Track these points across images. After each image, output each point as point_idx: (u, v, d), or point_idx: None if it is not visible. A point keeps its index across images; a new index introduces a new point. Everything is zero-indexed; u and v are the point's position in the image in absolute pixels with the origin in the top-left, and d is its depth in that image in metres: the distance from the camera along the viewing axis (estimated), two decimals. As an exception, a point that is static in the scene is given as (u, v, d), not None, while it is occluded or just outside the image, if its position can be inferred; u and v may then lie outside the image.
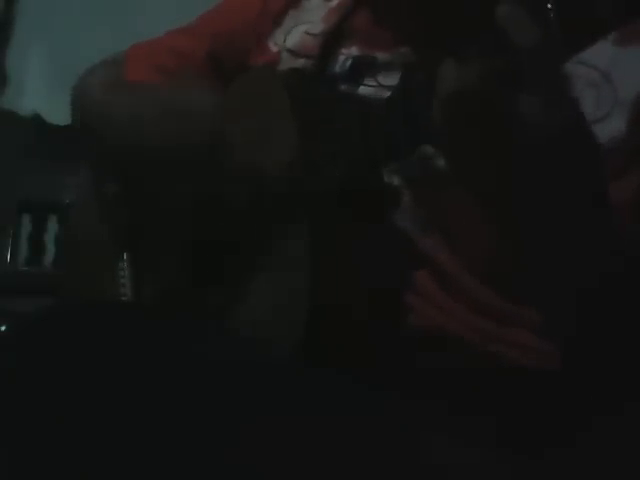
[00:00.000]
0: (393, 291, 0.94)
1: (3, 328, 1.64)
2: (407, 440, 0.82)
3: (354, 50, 1.06)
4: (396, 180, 0.97)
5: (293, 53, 1.11)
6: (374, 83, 1.02)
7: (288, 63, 1.11)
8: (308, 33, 1.11)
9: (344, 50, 1.07)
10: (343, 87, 1.05)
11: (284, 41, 1.13)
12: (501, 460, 0.86)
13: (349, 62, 1.05)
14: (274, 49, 1.14)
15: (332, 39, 1.09)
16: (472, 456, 0.85)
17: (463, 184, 0.86)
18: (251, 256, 1.01)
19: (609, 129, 0.91)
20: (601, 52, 0.91)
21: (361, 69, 1.04)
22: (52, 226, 2.08)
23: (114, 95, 1.18)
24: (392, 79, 1.00)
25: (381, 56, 1.03)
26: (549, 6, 0.73)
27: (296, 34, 1.13)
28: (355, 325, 0.91)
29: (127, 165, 1.14)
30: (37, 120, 2.19)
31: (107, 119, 1.16)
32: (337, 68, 1.06)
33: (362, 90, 1.03)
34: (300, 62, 1.10)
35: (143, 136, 1.09)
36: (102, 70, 1.25)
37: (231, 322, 0.99)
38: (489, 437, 0.87)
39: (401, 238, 0.95)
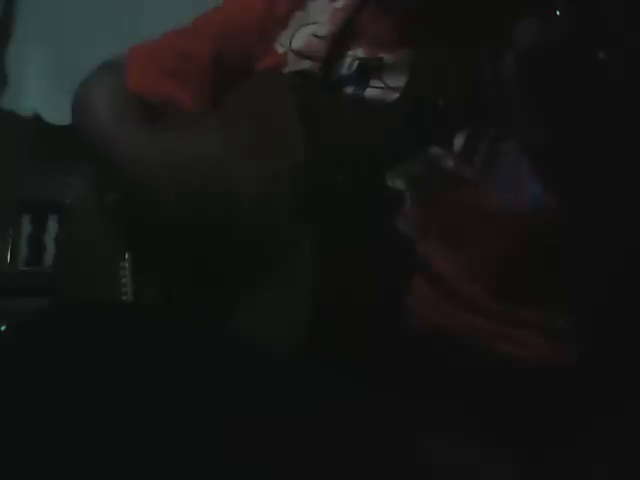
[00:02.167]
0: (394, 293, 0.94)
1: (3, 328, 1.64)
2: (407, 440, 0.82)
3: (360, 52, 1.06)
4: (399, 183, 0.97)
5: (299, 54, 1.11)
6: (381, 85, 1.02)
7: (294, 64, 1.11)
8: (314, 35, 1.11)
9: (350, 52, 1.07)
10: (350, 89, 1.04)
11: (290, 43, 1.12)
12: (501, 460, 0.86)
13: (356, 64, 1.05)
14: (280, 51, 1.13)
15: (339, 41, 1.08)
16: (472, 456, 0.85)
17: (519, 139, 0.85)
18: (253, 256, 1.01)
19: None
20: None
21: (368, 71, 1.04)
22: (52, 226, 2.08)
23: (118, 128, 1.16)
24: (399, 80, 1.00)
25: (388, 57, 1.03)
26: (557, 13, 0.73)
27: (302, 35, 1.12)
28: (356, 325, 0.91)
29: (128, 189, 1.13)
30: (37, 120, 2.19)
31: (109, 153, 1.15)
32: (344, 70, 1.06)
33: (369, 92, 1.03)
34: (306, 63, 1.10)
35: (148, 180, 1.07)
36: (102, 82, 1.23)
37: (232, 322, 0.99)
38: (489, 437, 0.87)
39: (402, 242, 0.95)
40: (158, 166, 1.07)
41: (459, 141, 0.94)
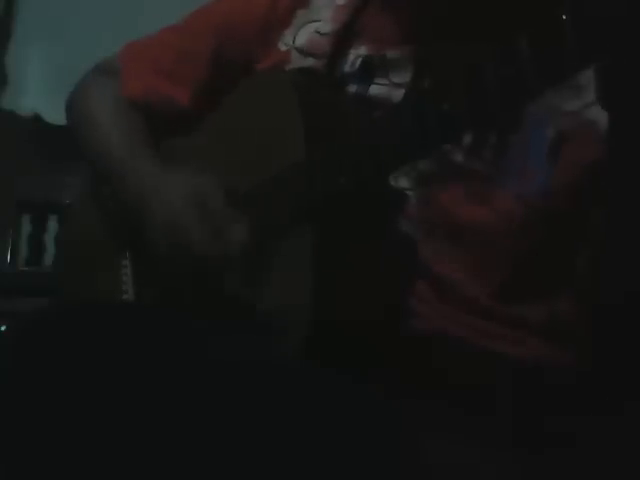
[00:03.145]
0: (395, 295, 0.94)
1: (3, 328, 1.64)
2: (408, 440, 0.82)
3: (363, 49, 1.05)
4: (403, 182, 0.96)
5: (302, 52, 1.11)
6: (385, 81, 1.02)
7: (298, 62, 1.10)
8: (317, 32, 1.10)
9: (353, 50, 1.06)
10: (354, 87, 1.04)
11: (293, 40, 1.12)
12: (501, 460, 0.87)
13: (359, 61, 1.05)
14: (283, 49, 1.13)
15: (342, 39, 1.08)
16: (472, 456, 0.86)
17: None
18: (253, 257, 1.01)
19: None
20: None
21: (371, 68, 1.03)
22: (52, 226, 2.08)
23: (117, 147, 1.14)
24: (403, 76, 1.00)
25: (391, 54, 1.03)
26: (564, 17, 0.73)
27: (305, 33, 1.12)
28: (357, 327, 0.91)
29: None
30: (37, 120, 2.19)
31: (108, 171, 1.14)
32: (347, 68, 1.06)
33: (373, 89, 1.02)
34: (310, 61, 1.09)
35: (147, 220, 1.07)
36: (98, 86, 1.23)
37: (233, 321, 0.99)
38: (489, 437, 0.87)
39: (404, 243, 0.95)
40: (156, 216, 1.04)
41: (467, 136, 0.94)
